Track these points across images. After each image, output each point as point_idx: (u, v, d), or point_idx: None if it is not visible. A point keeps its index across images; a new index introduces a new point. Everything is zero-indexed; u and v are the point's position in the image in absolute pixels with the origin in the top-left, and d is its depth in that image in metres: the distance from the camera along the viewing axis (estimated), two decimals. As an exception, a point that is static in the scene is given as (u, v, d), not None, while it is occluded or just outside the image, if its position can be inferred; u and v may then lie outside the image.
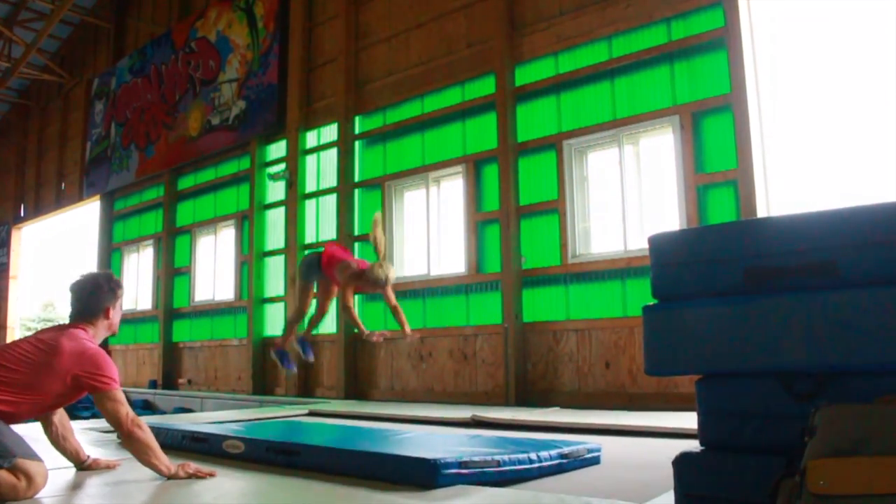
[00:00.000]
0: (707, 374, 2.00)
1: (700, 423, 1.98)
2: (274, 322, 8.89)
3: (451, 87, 7.37)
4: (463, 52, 7.30)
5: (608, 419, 4.65)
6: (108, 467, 2.99)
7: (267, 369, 8.81)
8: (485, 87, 7.06)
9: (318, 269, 5.07)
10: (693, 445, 1.99)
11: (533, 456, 2.94)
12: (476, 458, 2.74)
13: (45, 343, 2.65)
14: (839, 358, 1.71)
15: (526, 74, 6.77)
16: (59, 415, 2.91)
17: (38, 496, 2.44)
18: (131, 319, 11.36)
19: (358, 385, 7.73)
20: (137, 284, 11.66)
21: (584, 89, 6.38)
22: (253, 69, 9.48)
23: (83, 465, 2.97)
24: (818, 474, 1.40)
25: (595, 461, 3.24)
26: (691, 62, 5.76)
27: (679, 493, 1.93)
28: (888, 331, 1.65)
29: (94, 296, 2.86)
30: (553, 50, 6.57)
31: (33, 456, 2.47)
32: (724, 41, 5.52)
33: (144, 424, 2.68)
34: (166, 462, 2.69)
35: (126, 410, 2.64)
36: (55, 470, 2.74)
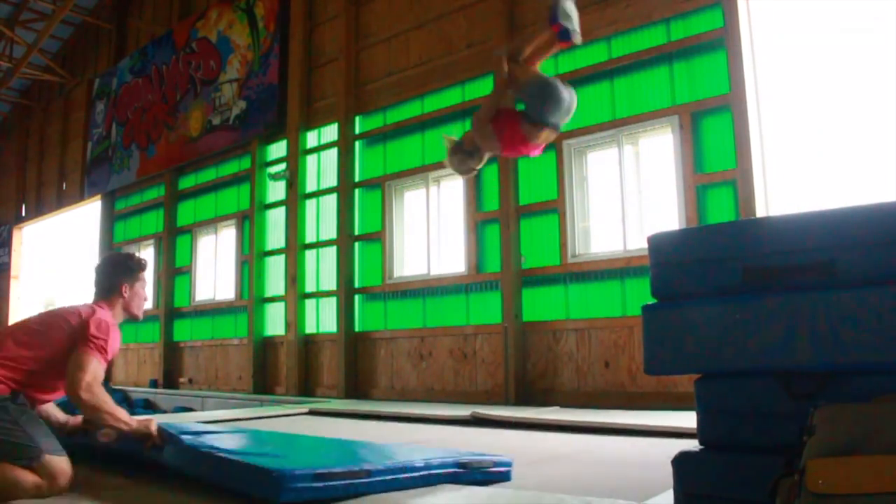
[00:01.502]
0: (706, 374, 2.01)
1: (699, 422, 1.99)
2: (274, 322, 8.89)
3: (451, 87, 7.38)
4: (463, 52, 7.31)
5: (608, 418, 4.65)
6: (77, 424, 2.92)
7: (267, 369, 8.83)
8: (485, 87, 7.06)
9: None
10: (692, 444, 2.00)
11: (418, 463, 2.58)
12: (338, 469, 2.37)
13: (57, 312, 2.72)
14: (838, 357, 1.72)
15: (526, 74, 6.76)
16: None
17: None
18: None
19: (358, 384, 7.73)
20: (138, 284, 11.66)
21: (583, 89, 6.36)
22: (253, 69, 9.49)
23: (65, 427, 2.91)
24: (817, 473, 1.40)
25: (505, 476, 2.79)
26: (690, 62, 5.77)
27: (678, 492, 1.94)
28: (887, 330, 1.66)
29: (110, 272, 2.87)
30: (553, 50, 6.57)
31: (59, 451, 2.46)
32: (724, 41, 5.52)
33: (98, 389, 2.53)
34: (126, 420, 2.60)
35: (84, 377, 2.48)
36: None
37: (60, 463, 2.44)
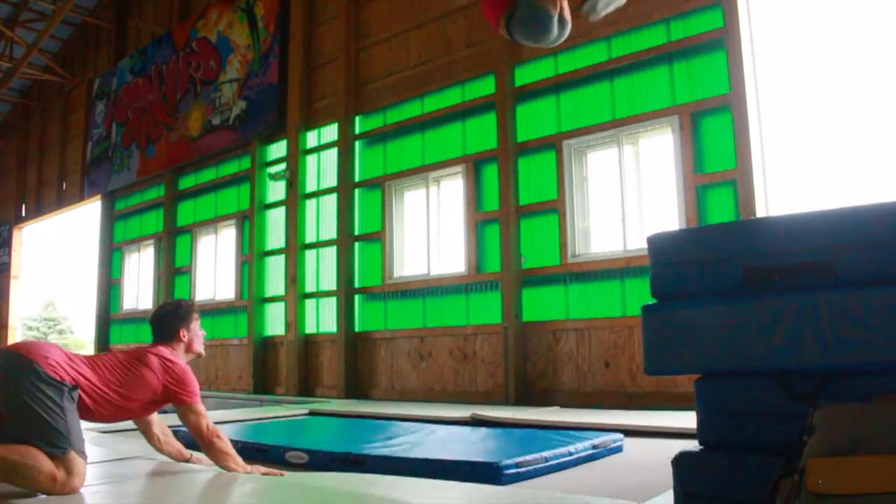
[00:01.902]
0: (706, 374, 2.01)
1: (699, 422, 1.99)
2: (274, 322, 8.90)
3: (451, 87, 7.38)
4: (463, 52, 7.31)
5: (608, 418, 4.66)
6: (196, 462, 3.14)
7: (267, 369, 8.83)
8: (485, 87, 7.06)
9: None
10: (692, 445, 2.00)
11: (571, 449, 3.40)
12: (528, 458, 3.14)
13: (137, 355, 2.84)
14: (837, 357, 1.72)
15: (526, 74, 6.77)
16: (158, 424, 3.11)
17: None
18: (132, 319, 11.38)
19: (358, 384, 7.74)
20: (138, 284, 11.68)
21: (583, 89, 6.38)
22: (253, 69, 9.49)
23: (189, 462, 3.14)
24: (817, 473, 1.41)
25: (619, 449, 3.73)
26: (690, 62, 5.77)
27: (678, 492, 1.94)
28: (886, 330, 1.66)
29: (166, 323, 3.07)
30: (553, 50, 6.57)
31: (84, 454, 2.48)
32: (724, 41, 5.52)
33: (223, 434, 2.89)
34: (242, 465, 2.89)
35: (207, 423, 2.84)
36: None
37: (82, 464, 2.45)
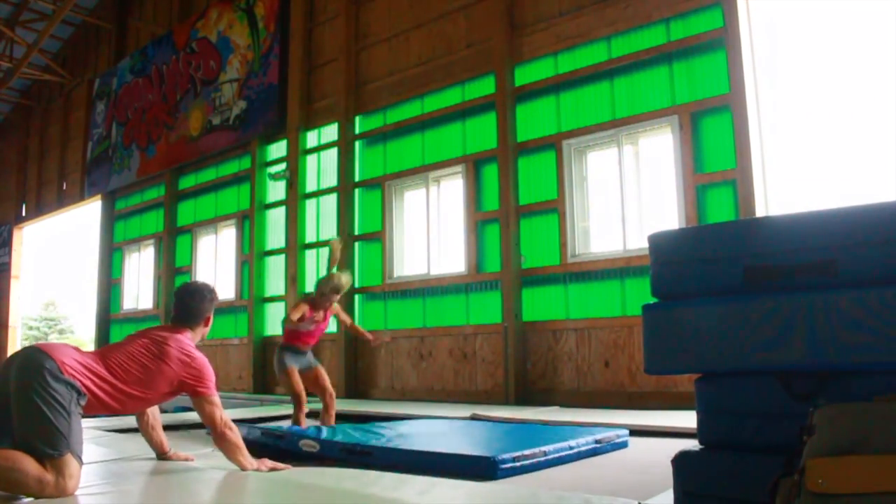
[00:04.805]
0: (706, 373, 2.01)
1: (699, 421, 1.99)
2: (274, 321, 8.89)
3: (451, 87, 7.38)
4: (463, 52, 7.31)
5: (608, 418, 4.66)
6: (187, 459, 3.17)
7: (268, 368, 8.82)
8: (485, 87, 7.07)
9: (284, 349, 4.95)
10: (692, 444, 2.00)
11: (573, 443, 3.43)
12: (526, 452, 3.18)
13: (155, 344, 2.79)
14: (838, 357, 1.72)
15: (525, 74, 6.77)
16: (153, 409, 3.08)
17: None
18: (132, 318, 11.37)
19: (358, 384, 7.74)
20: (138, 284, 11.67)
21: (583, 89, 6.38)
22: (253, 69, 9.49)
23: (165, 456, 3.15)
24: (817, 473, 1.40)
25: (623, 445, 3.73)
26: (690, 62, 5.77)
27: (678, 491, 1.94)
28: (887, 330, 1.66)
29: (200, 303, 3.03)
30: (553, 50, 6.58)
31: (80, 458, 2.46)
32: (723, 41, 5.52)
33: (234, 427, 2.87)
34: (250, 459, 2.88)
35: (221, 414, 2.83)
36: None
37: (76, 467, 2.43)
